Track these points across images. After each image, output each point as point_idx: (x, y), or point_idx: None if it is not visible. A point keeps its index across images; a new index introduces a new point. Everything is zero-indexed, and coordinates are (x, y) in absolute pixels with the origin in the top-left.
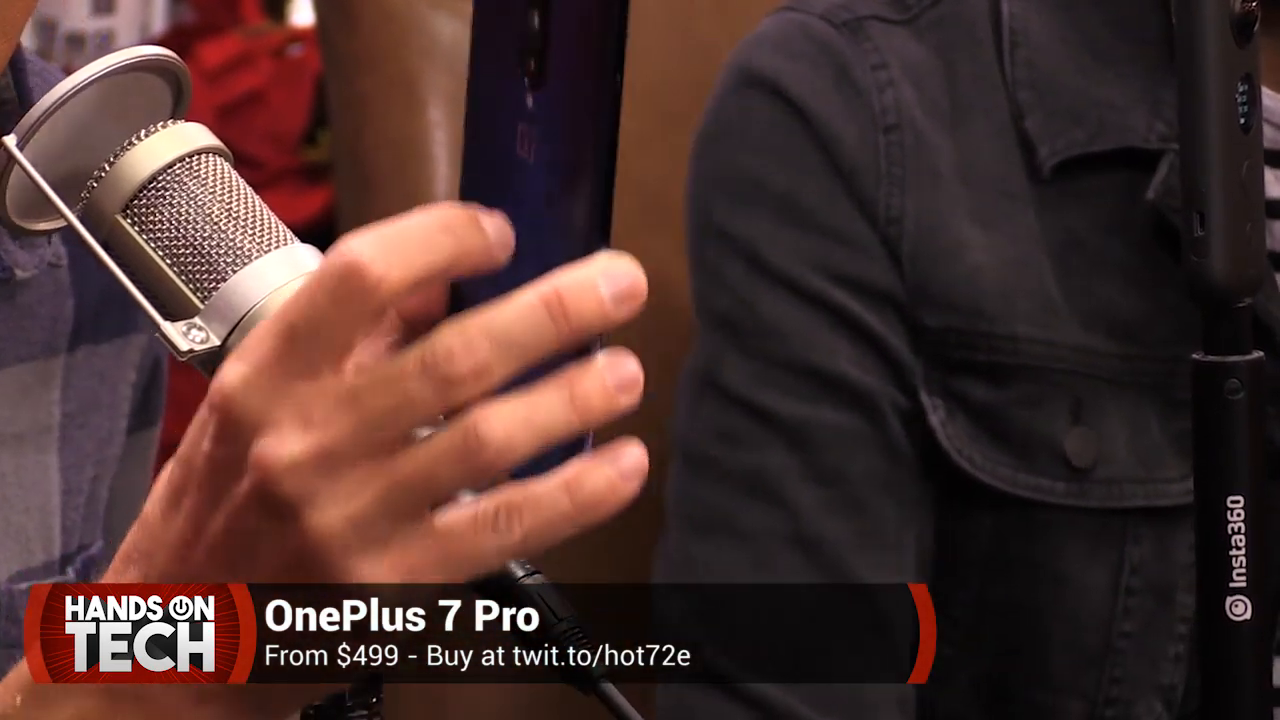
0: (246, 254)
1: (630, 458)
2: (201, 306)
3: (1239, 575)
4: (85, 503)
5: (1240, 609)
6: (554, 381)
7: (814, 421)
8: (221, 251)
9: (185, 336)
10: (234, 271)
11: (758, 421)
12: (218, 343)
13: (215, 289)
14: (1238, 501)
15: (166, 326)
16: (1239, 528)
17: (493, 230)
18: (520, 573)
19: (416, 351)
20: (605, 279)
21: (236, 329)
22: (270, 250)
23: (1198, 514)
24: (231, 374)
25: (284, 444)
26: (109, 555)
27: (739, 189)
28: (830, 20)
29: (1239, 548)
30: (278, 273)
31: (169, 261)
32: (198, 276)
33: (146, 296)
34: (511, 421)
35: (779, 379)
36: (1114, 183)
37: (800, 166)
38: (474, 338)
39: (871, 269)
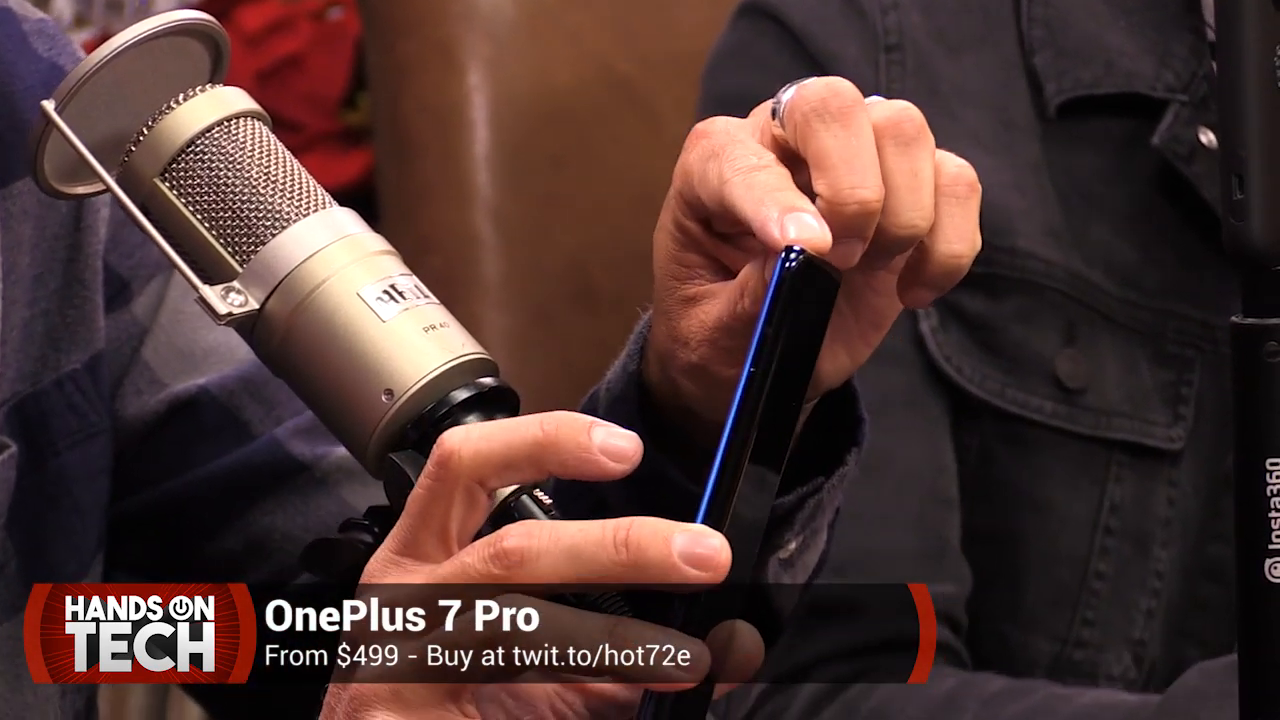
0: (285, 218)
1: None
2: (240, 270)
3: (1278, 537)
4: None
5: None
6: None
7: None
8: (260, 215)
9: (224, 300)
10: (272, 235)
11: None
12: (255, 306)
13: (254, 252)
14: (1277, 464)
15: (205, 290)
16: (1278, 490)
17: (603, 436)
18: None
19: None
20: (684, 536)
21: (275, 292)
22: (309, 214)
23: (1236, 475)
24: (378, 551)
25: (367, 599)
26: None
27: (732, 106)
28: None
29: (1277, 510)
30: (316, 236)
31: (207, 225)
32: (236, 240)
33: (185, 260)
34: (538, 532)
35: None
36: (1118, 129)
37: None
38: (535, 530)
39: None
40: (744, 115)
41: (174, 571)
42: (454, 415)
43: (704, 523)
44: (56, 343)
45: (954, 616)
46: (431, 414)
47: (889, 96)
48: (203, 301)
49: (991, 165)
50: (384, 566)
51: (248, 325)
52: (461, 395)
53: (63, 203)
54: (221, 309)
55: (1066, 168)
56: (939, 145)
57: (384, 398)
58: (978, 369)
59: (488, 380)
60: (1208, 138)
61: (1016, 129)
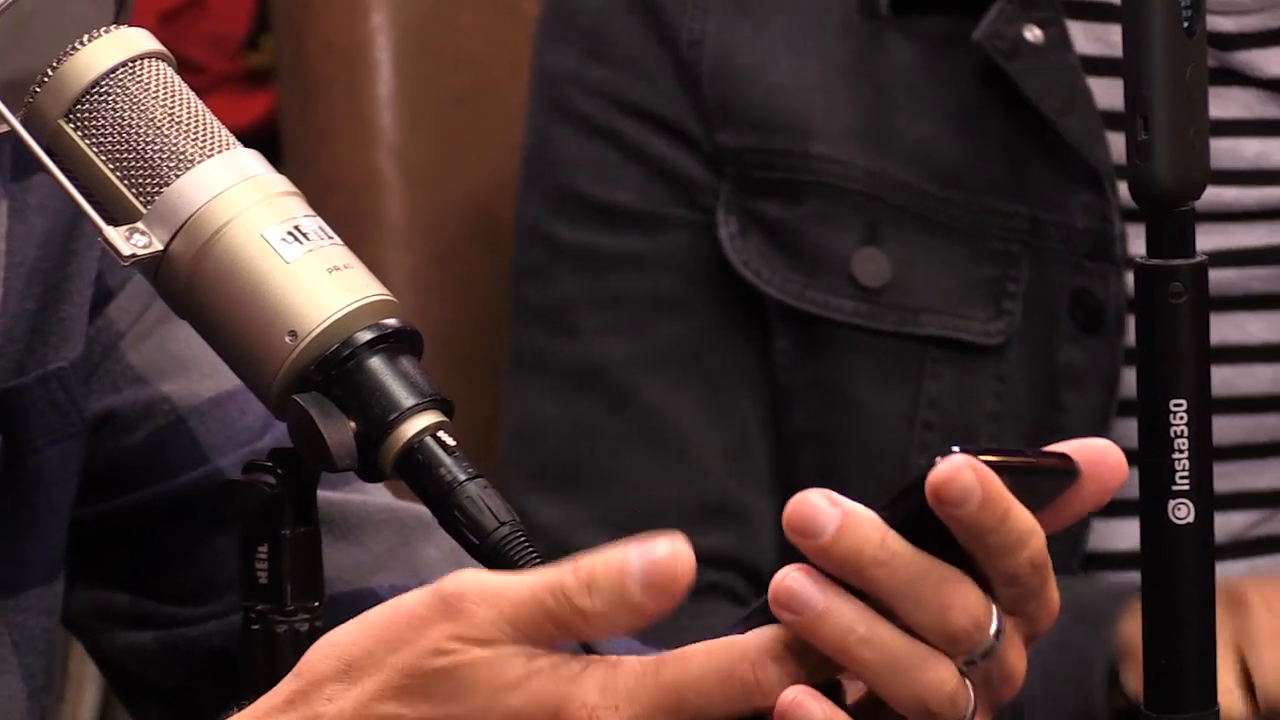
0: (189, 159)
1: None
2: (144, 211)
3: (1181, 479)
4: None
5: (1183, 512)
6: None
7: (596, 247)
8: (164, 156)
9: (128, 241)
10: (177, 176)
11: (550, 253)
12: (160, 247)
13: (158, 194)
14: (1180, 405)
15: (109, 231)
16: (1181, 431)
17: None
18: (462, 476)
19: None
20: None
21: (179, 234)
22: (213, 155)
23: (1140, 418)
24: None
25: None
26: None
27: (555, 26)
28: None
29: (1181, 451)
30: (220, 177)
31: (112, 166)
32: (140, 181)
33: (90, 201)
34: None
35: (567, 211)
36: (947, 26)
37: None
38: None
39: (665, 99)
40: (562, 34)
41: (136, 588)
42: (357, 356)
43: None
44: (46, 338)
45: (736, 560)
46: (335, 355)
47: (694, 5)
48: (106, 243)
49: (797, 67)
50: None
51: (151, 267)
52: (365, 336)
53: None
54: (125, 250)
55: (894, 65)
56: (750, 55)
57: (288, 339)
58: (778, 272)
59: (391, 321)
60: (1033, 34)
61: (832, 29)
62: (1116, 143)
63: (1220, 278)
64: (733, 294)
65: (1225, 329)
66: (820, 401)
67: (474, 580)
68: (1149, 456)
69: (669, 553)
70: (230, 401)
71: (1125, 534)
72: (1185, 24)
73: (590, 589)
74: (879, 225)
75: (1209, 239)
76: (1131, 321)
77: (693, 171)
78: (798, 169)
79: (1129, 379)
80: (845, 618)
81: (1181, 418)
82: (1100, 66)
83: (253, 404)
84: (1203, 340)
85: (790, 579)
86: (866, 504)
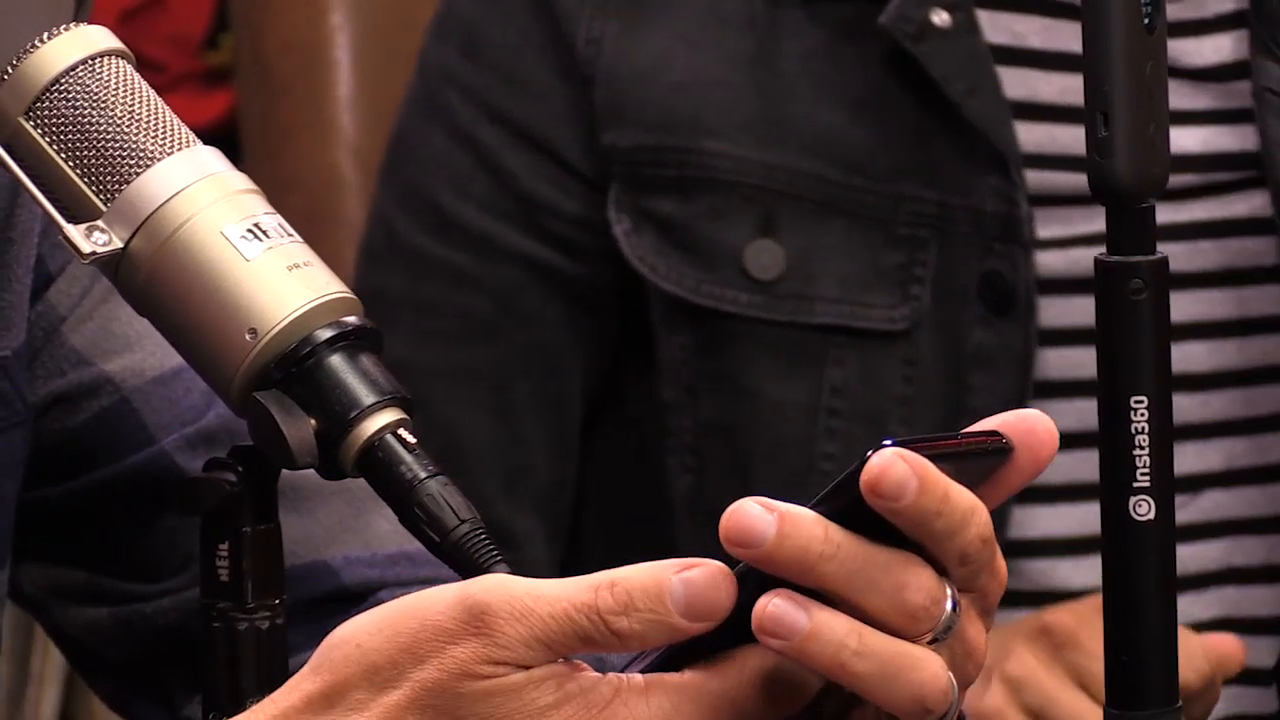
0: (149, 156)
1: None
2: (104, 209)
3: (1142, 475)
4: None
5: (1144, 509)
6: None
7: (429, 254)
8: (124, 154)
9: (88, 239)
10: (137, 174)
11: (388, 244)
12: (120, 245)
13: (118, 191)
14: (1141, 402)
15: (69, 229)
16: (1142, 428)
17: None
18: (422, 473)
19: None
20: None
21: (139, 231)
22: (173, 153)
23: (1100, 414)
24: None
25: None
26: None
27: (442, 18)
28: None
29: (1142, 448)
30: (180, 175)
31: (72, 164)
32: (101, 179)
33: (50, 199)
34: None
35: (413, 209)
36: (853, 12)
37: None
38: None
39: (535, 107)
40: (445, 28)
41: (91, 565)
42: (317, 354)
43: None
44: None
45: None
46: (295, 353)
47: (593, 6)
48: (67, 240)
49: (696, 64)
50: None
51: (112, 265)
52: (325, 334)
53: (4, 184)
54: (85, 248)
55: (798, 54)
56: (649, 54)
57: (248, 336)
58: (674, 268)
59: (351, 319)
60: (940, 18)
61: (734, 23)
62: (1022, 130)
63: None
64: (576, 313)
65: None
66: (724, 394)
67: (501, 593)
68: (1109, 452)
69: (709, 574)
70: (175, 380)
71: (1047, 521)
72: (1145, 20)
73: (627, 610)
74: (775, 217)
75: None
76: (1042, 303)
77: (544, 191)
78: (689, 165)
79: (1043, 360)
80: (835, 634)
81: (1142, 414)
82: (1006, 56)
83: (196, 381)
84: (1163, 336)
85: (772, 606)
86: (798, 503)
